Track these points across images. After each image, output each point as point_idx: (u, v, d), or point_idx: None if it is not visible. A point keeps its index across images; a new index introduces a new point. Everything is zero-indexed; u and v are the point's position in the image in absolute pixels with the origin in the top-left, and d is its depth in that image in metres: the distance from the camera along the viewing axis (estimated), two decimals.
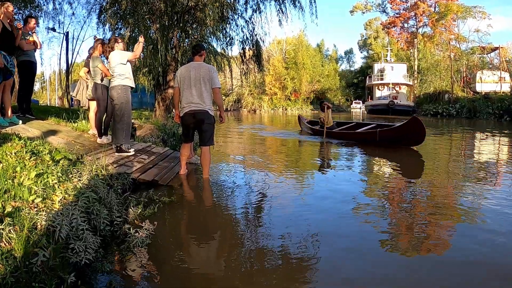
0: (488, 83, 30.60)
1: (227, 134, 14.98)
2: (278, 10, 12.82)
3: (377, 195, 4.84)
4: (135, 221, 3.42)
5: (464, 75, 33.01)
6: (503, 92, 28.83)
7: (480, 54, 33.43)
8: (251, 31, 13.54)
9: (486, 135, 15.03)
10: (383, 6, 55.96)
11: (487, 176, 6.04)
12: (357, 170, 6.91)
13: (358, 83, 61.09)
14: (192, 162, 6.21)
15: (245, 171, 6.55)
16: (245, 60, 14.58)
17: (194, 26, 12.87)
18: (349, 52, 78.84)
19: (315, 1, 12.40)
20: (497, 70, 31.63)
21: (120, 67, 5.74)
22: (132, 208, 3.66)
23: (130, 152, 5.80)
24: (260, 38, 13.73)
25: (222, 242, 3.22)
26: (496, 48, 32.85)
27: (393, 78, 41.40)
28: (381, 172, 6.72)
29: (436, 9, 42.89)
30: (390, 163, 7.67)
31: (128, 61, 5.84)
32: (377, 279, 2.47)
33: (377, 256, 2.85)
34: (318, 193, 4.84)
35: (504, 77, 30.72)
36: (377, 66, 45.31)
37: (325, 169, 6.98)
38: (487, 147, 10.94)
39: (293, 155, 9.25)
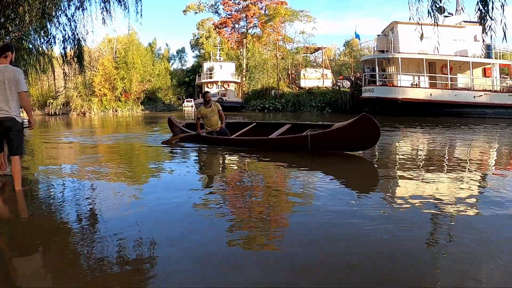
0: (311, 79, 32.81)
1: (50, 142, 12.45)
2: (103, 8, 12.27)
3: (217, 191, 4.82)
4: None
5: (290, 73, 34.85)
6: (325, 87, 31.10)
7: (304, 53, 35.82)
8: (73, 29, 13.06)
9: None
10: (215, 7, 56.82)
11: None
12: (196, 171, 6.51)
13: (190, 82, 60.10)
14: (7, 174, 5.57)
15: (71, 181, 5.67)
16: (66, 60, 14.03)
17: (17, 22, 11.86)
18: (181, 51, 77.68)
19: (140, 0, 12.14)
20: (320, 67, 34.17)
21: None
22: None
23: None
24: (82, 37, 13.23)
25: (36, 258, 2.87)
26: (319, 48, 35.67)
27: (222, 76, 42.38)
28: (226, 170, 6.53)
29: (266, 11, 44.81)
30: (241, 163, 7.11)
31: None
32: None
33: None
34: (152, 196, 4.53)
35: (326, 74, 33.28)
36: (206, 65, 45.99)
37: (162, 172, 6.33)
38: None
39: (134, 162, 7.91)
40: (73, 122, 27.59)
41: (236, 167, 6.81)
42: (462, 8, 26.45)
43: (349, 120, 6.83)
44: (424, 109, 24.46)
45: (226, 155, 7.76)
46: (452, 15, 26.68)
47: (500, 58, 28.73)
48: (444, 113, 24.19)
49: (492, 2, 5.87)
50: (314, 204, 4.04)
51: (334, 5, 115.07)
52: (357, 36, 32.10)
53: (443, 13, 26.30)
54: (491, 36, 6.51)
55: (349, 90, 29.83)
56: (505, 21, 5.77)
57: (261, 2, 49.09)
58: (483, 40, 6.67)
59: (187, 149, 8.76)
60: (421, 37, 8.33)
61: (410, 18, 7.18)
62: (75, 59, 13.86)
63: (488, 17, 5.98)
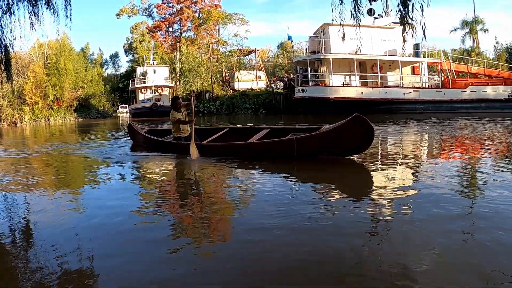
0: (245, 81, 32.36)
1: None
2: (31, 12, 11.29)
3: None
4: None
5: (224, 75, 34.11)
6: (259, 89, 30.73)
7: (238, 56, 35.27)
8: None
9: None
10: (149, 10, 55.16)
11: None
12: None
13: (124, 87, 57.65)
14: None
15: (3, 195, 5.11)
16: None
17: None
18: (114, 56, 74.31)
19: (70, 4, 11.17)
20: (254, 70, 33.81)
21: None
22: None
23: None
24: (9, 43, 11.99)
25: None
26: (253, 51, 35.23)
27: (156, 80, 40.95)
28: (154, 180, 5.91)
29: (200, 15, 43.87)
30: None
31: None
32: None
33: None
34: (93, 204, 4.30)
35: (260, 76, 32.94)
36: (139, 70, 44.37)
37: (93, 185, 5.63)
38: None
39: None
40: (3, 133, 24.88)
41: (183, 174, 6.22)
42: (390, 10, 26.94)
43: (339, 122, 6.06)
44: (356, 107, 24.58)
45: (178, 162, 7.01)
46: (382, 16, 27.08)
47: (428, 57, 29.69)
48: (376, 110, 24.60)
49: (412, 4, 5.90)
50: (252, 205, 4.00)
51: (269, 8, 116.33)
52: (290, 37, 31.96)
53: (373, 15, 26.95)
54: (412, 35, 6.55)
55: (282, 91, 29.59)
56: (424, 21, 5.82)
57: (195, 6, 48.11)
58: (404, 40, 6.42)
59: (142, 158, 8.00)
60: (343, 38, 7.98)
61: (333, 20, 6.89)
62: (2, 66, 12.51)
63: (408, 17, 6.02)
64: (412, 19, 6.04)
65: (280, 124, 16.34)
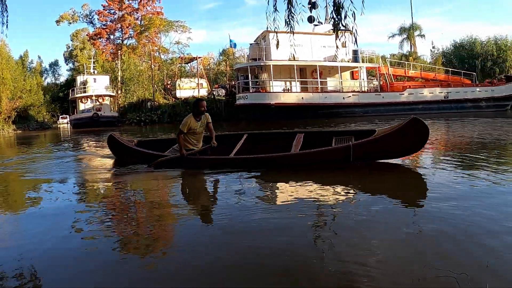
0: (187, 89, 31.91)
1: None
2: None
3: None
4: None
5: (165, 83, 33.39)
6: (201, 96, 30.34)
7: (180, 63, 34.71)
8: None
9: None
10: (90, 17, 53.31)
11: None
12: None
13: (64, 97, 55.20)
14: None
15: None
16: None
17: None
18: (54, 64, 70.98)
19: (6, 10, 10.33)
20: (195, 77, 33.46)
21: None
22: None
23: None
24: None
25: None
26: (194, 58, 34.80)
27: (96, 90, 39.79)
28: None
29: (142, 22, 42.85)
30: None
31: None
32: None
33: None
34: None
35: (202, 83, 32.60)
36: (80, 78, 42.91)
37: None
38: None
39: None
40: None
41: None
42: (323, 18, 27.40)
43: (397, 125, 5.89)
44: (297, 112, 24.92)
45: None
46: (322, 23, 27.42)
47: (367, 62, 30.41)
48: (317, 115, 24.90)
49: (345, 12, 5.96)
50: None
51: (211, 15, 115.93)
52: (233, 43, 31.75)
53: (313, 22, 27.27)
54: (345, 42, 6.48)
55: (224, 98, 29.31)
56: (356, 28, 5.94)
57: (137, 13, 46.93)
58: (337, 46, 6.77)
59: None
60: (277, 45, 7.80)
61: (267, 27, 6.78)
62: None
63: (341, 24, 6.13)
64: (345, 26, 6.10)
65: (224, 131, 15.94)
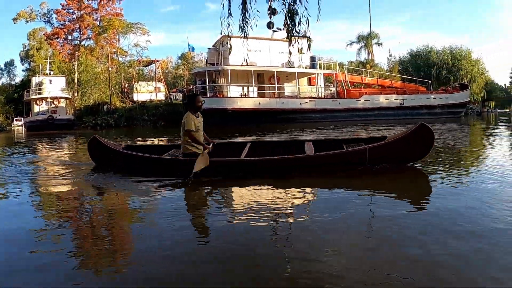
0: (144, 93, 31.43)
1: None
2: None
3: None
4: None
5: (123, 86, 32.74)
6: (158, 100, 29.96)
7: (138, 66, 34.16)
8: None
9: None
10: (48, 16, 51.57)
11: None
12: None
13: (20, 98, 53.15)
14: None
15: None
16: None
17: None
18: (9, 64, 68.67)
19: None
20: (153, 81, 33.03)
21: None
22: None
23: None
24: None
25: None
26: (153, 61, 34.32)
27: (52, 91, 38.38)
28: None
29: (101, 23, 41.86)
30: None
31: None
32: None
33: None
34: None
35: (160, 87, 32.24)
36: (35, 80, 41.28)
37: None
38: None
39: None
40: None
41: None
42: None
43: (406, 130, 6.18)
44: (255, 117, 25.01)
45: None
46: (281, 29, 27.66)
47: (324, 68, 30.89)
48: (274, 120, 25.06)
49: (299, 18, 6.06)
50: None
51: (171, 18, 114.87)
52: (190, 47, 31.53)
53: (272, 28, 27.51)
54: (298, 48, 6.76)
55: (181, 102, 29.08)
56: (309, 34, 6.11)
57: (96, 13, 45.80)
58: (290, 52, 6.51)
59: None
60: (230, 50, 7.72)
61: (221, 32, 6.66)
62: None
63: (294, 30, 6.22)
64: (298, 32, 6.18)
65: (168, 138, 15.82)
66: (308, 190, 4.98)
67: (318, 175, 5.65)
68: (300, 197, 4.62)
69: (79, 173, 6.73)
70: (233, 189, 5.25)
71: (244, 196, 4.80)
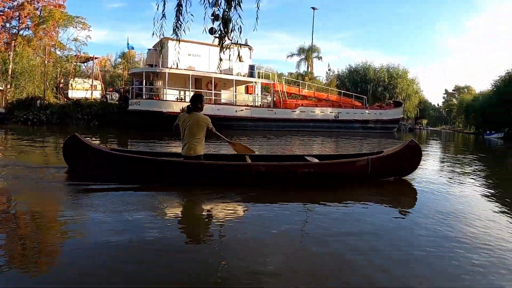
0: (79, 90, 30.65)
1: None
2: None
3: None
4: None
5: (58, 82, 31.74)
6: (93, 99, 29.31)
7: (75, 62, 33.25)
8: None
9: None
10: None
11: None
12: None
13: None
14: None
15: None
16: None
17: None
18: None
19: None
20: (90, 78, 32.33)
21: None
22: None
23: None
24: None
25: None
26: (91, 58, 33.56)
27: None
28: None
29: (41, 13, 40.31)
30: None
31: None
32: None
33: None
34: None
35: (96, 85, 31.54)
36: None
37: None
38: None
39: None
40: None
41: None
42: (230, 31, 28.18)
43: (398, 146, 6.74)
44: None
45: None
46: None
47: (263, 78, 31.64)
48: None
49: (233, 25, 6.08)
50: None
51: (116, 16, 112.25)
52: (130, 46, 31.25)
53: (214, 33, 27.88)
54: (239, 56, 7.00)
55: (117, 102, 28.72)
56: (240, 42, 6.13)
57: (38, 2, 43.97)
58: (220, 59, 6.47)
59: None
60: (160, 51, 7.71)
61: (153, 34, 6.42)
62: None
63: (227, 37, 6.24)
64: (230, 40, 6.21)
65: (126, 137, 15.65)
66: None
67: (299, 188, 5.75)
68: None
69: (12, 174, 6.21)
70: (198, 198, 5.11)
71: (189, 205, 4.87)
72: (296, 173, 5.87)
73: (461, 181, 7.46)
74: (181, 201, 5.04)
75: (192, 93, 26.88)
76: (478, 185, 7.11)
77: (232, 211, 4.52)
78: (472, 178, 7.88)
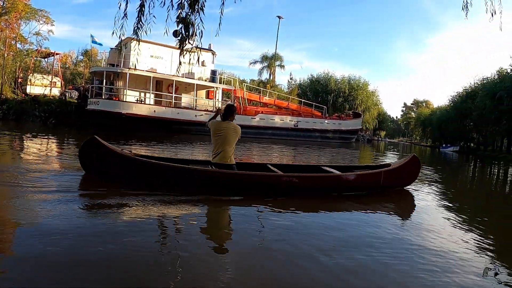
0: (38, 86, 30.23)
1: None
2: None
3: None
4: None
5: (17, 76, 31.16)
6: (52, 96, 28.98)
7: (36, 57, 32.75)
8: None
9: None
10: None
11: None
12: None
13: None
14: None
15: None
16: None
17: None
18: None
19: None
20: (49, 74, 31.93)
21: None
22: None
23: None
24: None
25: None
26: (52, 54, 33.15)
27: None
28: None
29: (4, 4, 39.35)
30: None
31: None
32: None
33: None
34: None
35: (56, 82, 31.20)
36: None
37: None
38: None
39: None
40: None
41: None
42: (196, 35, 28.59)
43: (404, 160, 7.35)
44: (149, 124, 25.27)
45: None
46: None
47: (224, 83, 32.16)
48: (169, 129, 25.63)
49: (194, 29, 5.99)
50: None
51: (81, 11, 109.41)
52: (98, 43, 31.04)
53: (178, 36, 28.23)
54: (189, 59, 6.68)
55: (76, 101, 28.56)
56: (200, 46, 6.02)
57: None
58: (180, 62, 6.23)
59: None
60: (120, 51, 7.89)
61: (113, 33, 6.48)
62: None
63: (188, 41, 6.16)
64: (191, 43, 6.19)
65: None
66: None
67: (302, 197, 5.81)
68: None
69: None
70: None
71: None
72: (325, 184, 6.21)
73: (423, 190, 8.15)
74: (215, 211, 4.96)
75: (152, 95, 27.23)
76: (436, 194, 8.04)
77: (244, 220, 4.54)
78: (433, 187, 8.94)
